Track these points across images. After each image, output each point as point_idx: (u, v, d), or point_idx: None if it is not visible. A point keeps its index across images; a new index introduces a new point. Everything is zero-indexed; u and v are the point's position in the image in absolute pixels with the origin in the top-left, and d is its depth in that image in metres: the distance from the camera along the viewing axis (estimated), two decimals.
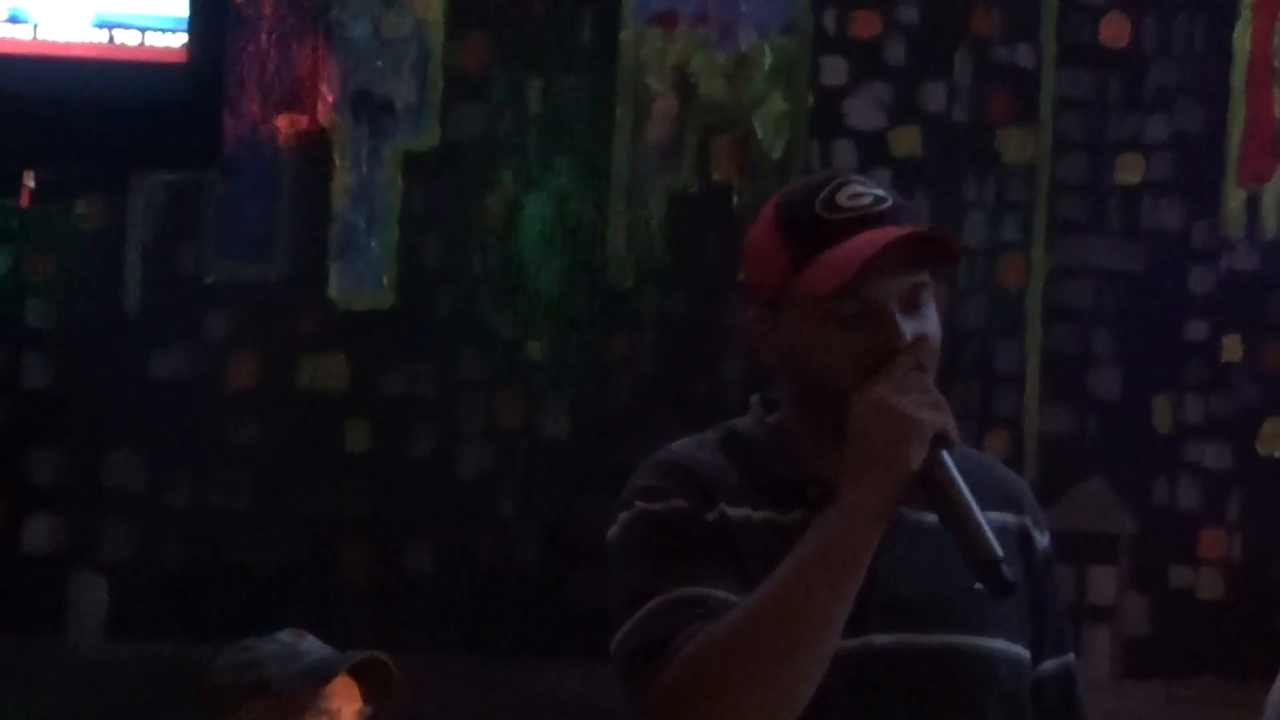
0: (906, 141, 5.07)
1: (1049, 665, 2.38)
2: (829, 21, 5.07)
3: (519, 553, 4.93)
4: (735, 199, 5.01)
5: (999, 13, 5.09)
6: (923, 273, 2.26)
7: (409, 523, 4.93)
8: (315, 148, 4.97)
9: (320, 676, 3.22)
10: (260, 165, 4.95)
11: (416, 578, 4.91)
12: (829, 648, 2.17)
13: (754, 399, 2.38)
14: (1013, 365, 5.07)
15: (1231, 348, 5.09)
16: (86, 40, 4.68)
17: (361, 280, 4.97)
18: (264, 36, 4.95)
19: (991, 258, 5.08)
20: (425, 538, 4.93)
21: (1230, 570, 5.05)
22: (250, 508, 4.91)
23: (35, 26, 4.68)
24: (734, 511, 2.27)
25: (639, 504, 2.28)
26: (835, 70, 5.07)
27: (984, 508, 2.23)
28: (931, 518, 2.24)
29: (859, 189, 2.28)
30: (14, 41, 4.67)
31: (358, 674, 3.27)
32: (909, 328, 2.24)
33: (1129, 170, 5.12)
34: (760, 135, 5.04)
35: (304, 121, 4.97)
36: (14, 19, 4.68)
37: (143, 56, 4.68)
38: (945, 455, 2.19)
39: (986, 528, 2.18)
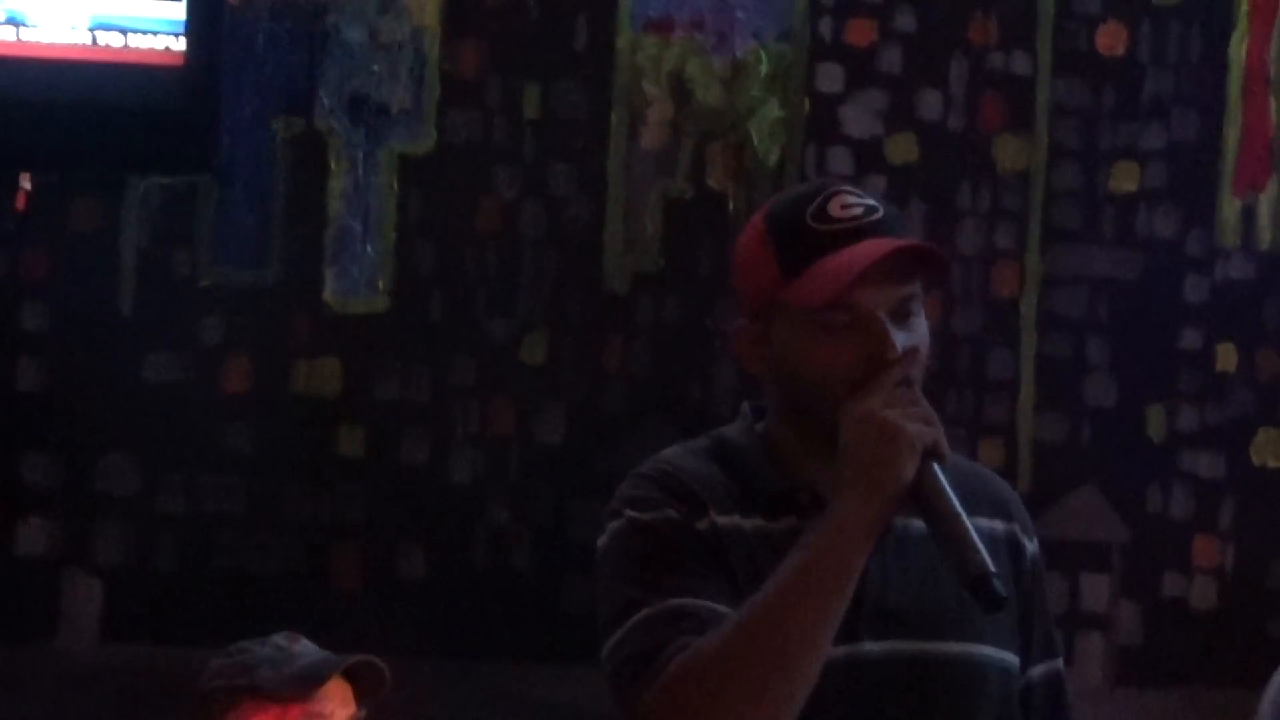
0: (902, 149, 5.08)
1: (1038, 671, 2.39)
2: (825, 29, 5.07)
3: (512, 558, 4.93)
4: (731, 205, 5.01)
5: (995, 21, 5.09)
6: (913, 284, 2.27)
7: (402, 527, 4.93)
8: (310, 152, 4.97)
9: (313, 680, 3.22)
10: (255, 169, 4.95)
11: (410, 582, 4.91)
12: (819, 659, 2.18)
13: (743, 407, 2.38)
14: (1007, 373, 5.07)
15: (1226, 356, 5.09)
16: (83, 44, 4.68)
17: (356, 285, 4.97)
18: (260, 40, 4.96)
19: (986, 265, 5.09)
20: (419, 542, 4.93)
21: (1223, 579, 5.06)
22: (244, 512, 4.91)
23: (32, 30, 4.68)
24: (724, 520, 2.28)
25: (629, 513, 2.28)
26: (831, 77, 5.08)
27: (972, 515, 2.23)
28: (920, 524, 2.25)
29: (850, 199, 2.28)
30: (10, 44, 4.68)
31: (350, 677, 3.27)
32: (899, 338, 2.24)
33: (1124, 179, 5.13)
34: (756, 142, 5.04)
35: (299, 125, 4.97)
36: (11, 21, 4.68)
37: (139, 60, 4.68)
38: (936, 469, 2.19)
39: (978, 542, 2.18)
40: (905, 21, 5.08)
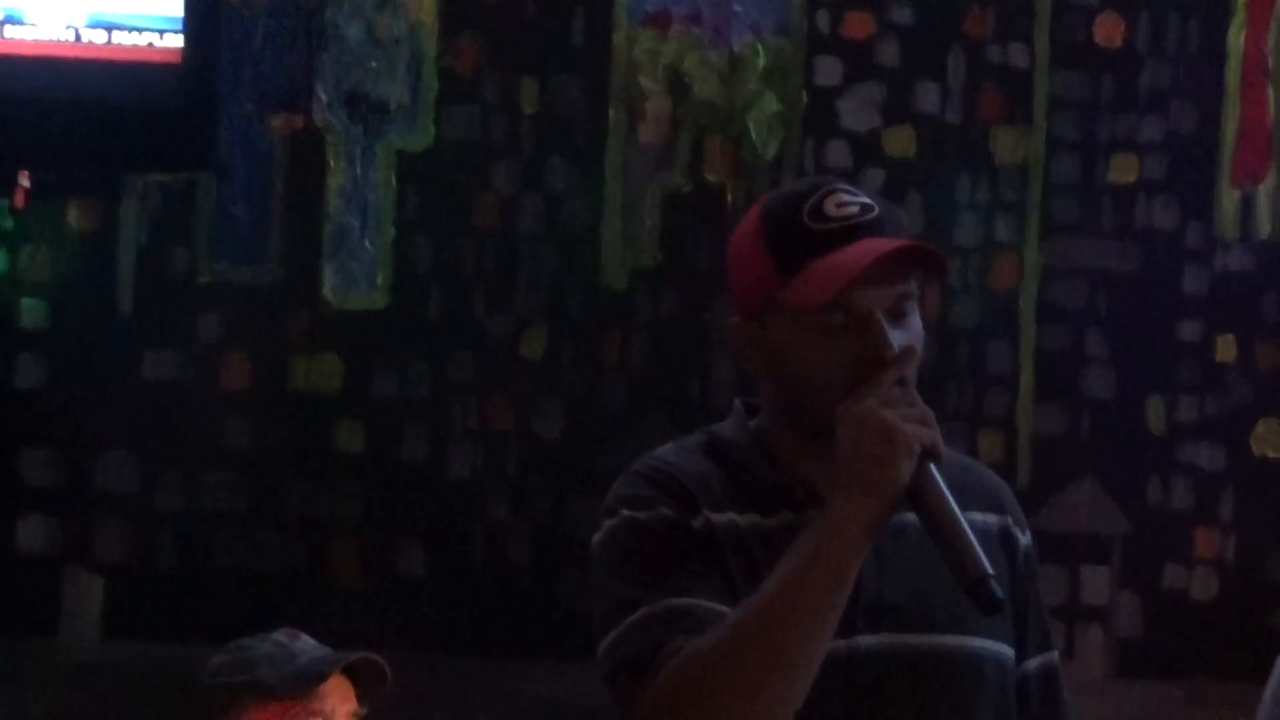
0: (900, 142, 5.07)
1: (1033, 663, 2.39)
2: (822, 22, 5.07)
3: (511, 554, 4.93)
4: (729, 199, 5.01)
5: (992, 13, 5.09)
6: (909, 282, 2.27)
7: (402, 523, 4.93)
8: (309, 149, 4.97)
9: (313, 677, 3.22)
10: (254, 166, 4.95)
11: (408, 578, 4.91)
12: (816, 659, 2.18)
13: (736, 403, 2.38)
14: (1006, 365, 5.07)
15: (1225, 348, 5.09)
16: (80, 41, 4.68)
17: (355, 281, 4.97)
18: (258, 37, 4.95)
19: (984, 258, 5.08)
20: (418, 538, 4.93)
21: (1223, 570, 5.06)
22: (244, 508, 4.91)
23: (30, 28, 4.68)
24: (719, 518, 2.27)
25: (625, 512, 2.28)
26: (829, 71, 5.08)
27: (966, 508, 2.23)
28: (915, 518, 2.25)
29: (845, 197, 2.28)
30: (9, 42, 4.68)
31: (351, 674, 3.27)
32: (896, 338, 2.24)
33: (1122, 171, 5.12)
34: (754, 136, 5.04)
35: (298, 122, 4.97)
36: (9, 20, 4.68)
37: (137, 58, 4.68)
38: (933, 470, 2.19)
39: (975, 544, 2.18)
40: (902, 14, 5.07)
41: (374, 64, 4.99)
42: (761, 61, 5.05)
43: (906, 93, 5.07)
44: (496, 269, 4.99)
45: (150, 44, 4.68)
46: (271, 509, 4.91)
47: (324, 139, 4.98)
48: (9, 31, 4.68)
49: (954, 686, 2.29)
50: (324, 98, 4.97)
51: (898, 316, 2.25)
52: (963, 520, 2.19)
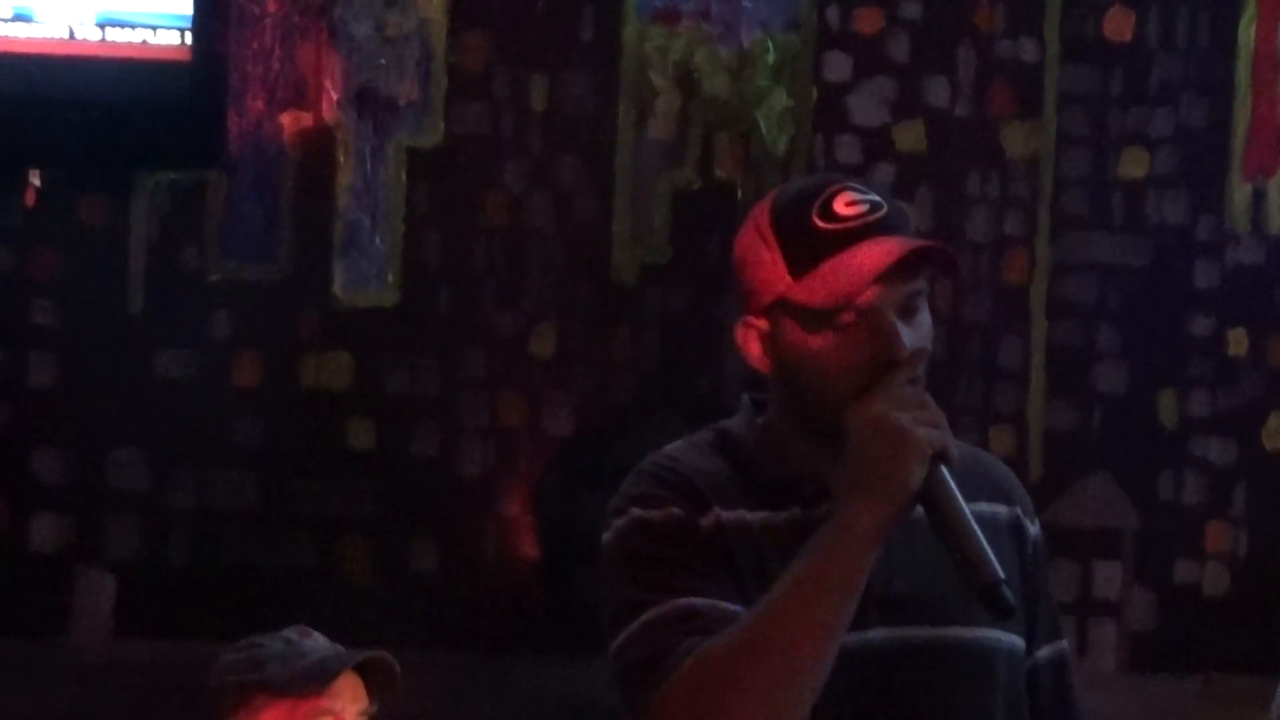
0: (910, 137, 5.07)
1: (1043, 652, 2.40)
2: (832, 17, 5.07)
3: (522, 550, 4.93)
4: (739, 195, 5.01)
5: (1002, 8, 5.09)
6: (919, 280, 2.27)
7: (413, 520, 4.93)
8: (318, 146, 4.98)
9: (324, 675, 3.22)
10: (263, 164, 4.96)
11: (420, 574, 4.91)
12: (828, 660, 2.18)
13: (744, 399, 2.39)
14: (1017, 361, 5.07)
15: (1236, 342, 5.09)
16: (90, 40, 4.69)
17: (365, 278, 4.97)
18: (267, 35, 4.96)
19: (995, 253, 5.08)
20: (428, 535, 4.93)
21: (1235, 565, 5.05)
22: (254, 506, 4.91)
23: (39, 26, 4.69)
24: (728, 515, 2.28)
25: (634, 511, 2.28)
26: (838, 66, 5.07)
27: (974, 500, 2.24)
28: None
29: (854, 195, 2.28)
30: (18, 41, 4.68)
31: (361, 672, 3.27)
32: (907, 337, 2.24)
33: (1133, 165, 5.12)
34: (763, 131, 5.04)
35: (307, 119, 4.97)
36: (18, 18, 4.69)
37: (146, 55, 4.69)
38: (945, 473, 2.19)
39: (987, 549, 2.18)
40: (912, 9, 5.07)
41: (383, 61, 4.99)
42: (771, 57, 5.05)
43: (916, 88, 5.07)
44: (507, 265, 4.99)
45: (159, 42, 4.69)
46: (282, 506, 4.91)
47: (333, 136, 4.98)
48: (18, 30, 4.69)
49: (966, 678, 2.30)
50: (333, 95, 4.97)
51: (909, 314, 2.26)
52: (974, 524, 2.19)
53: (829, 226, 2.26)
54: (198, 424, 4.90)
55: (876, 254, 2.23)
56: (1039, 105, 5.11)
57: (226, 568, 4.88)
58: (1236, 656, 4.96)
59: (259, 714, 3.21)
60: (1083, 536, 5.02)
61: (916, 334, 2.26)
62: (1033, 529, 2.42)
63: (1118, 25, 5.12)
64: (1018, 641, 2.35)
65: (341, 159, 4.99)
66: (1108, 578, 5.06)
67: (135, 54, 4.68)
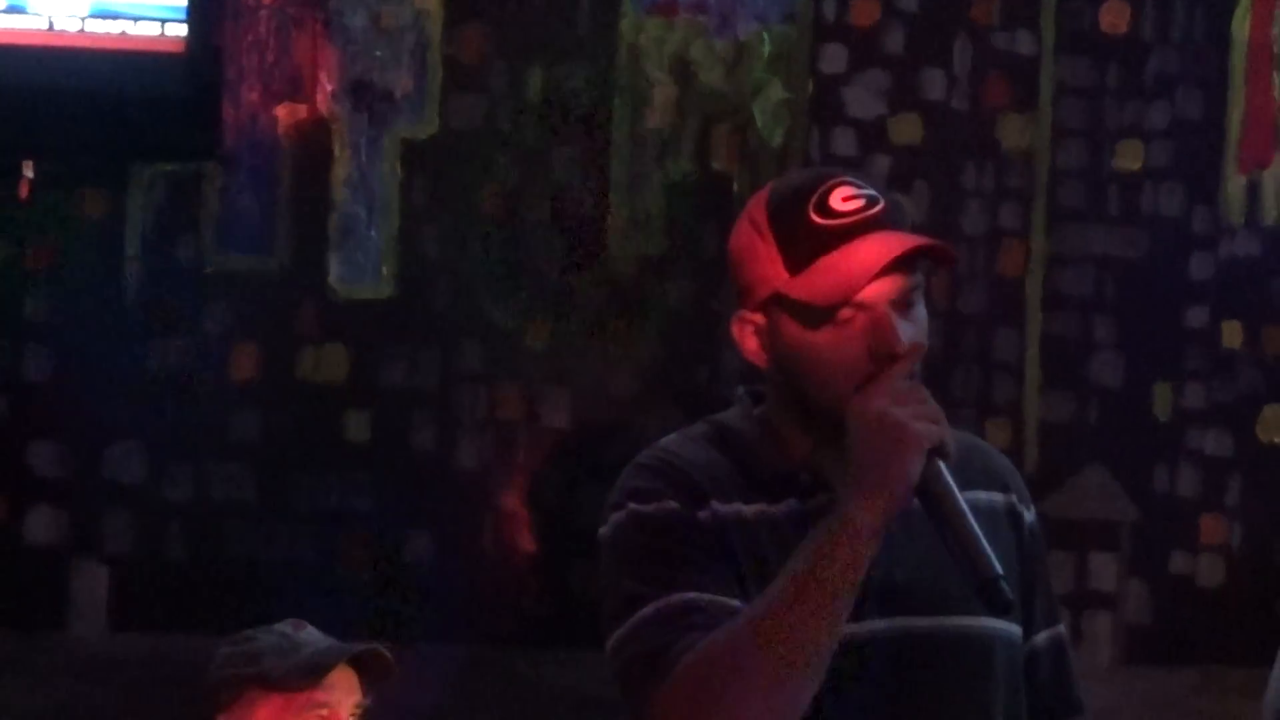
0: (906, 129, 5.07)
1: (1041, 638, 2.42)
2: (828, 9, 5.06)
3: (520, 543, 4.93)
4: (735, 187, 5.00)
5: (998, 0, 5.08)
6: (916, 274, 2.28)
7: (410, 513, 4.93)
8: (314, 138, 4.97)
9: (319, 668, 3.23)
10: (259, 155, 4.95)
11: (417, 568, 4.91)
12: (827, 654, 2.19)
13: (740, 391, 2.39)
14: (1012, 353, 5.07)
15: (1231, 334, 5.09)
16: (85, 31, 4.68)
17: (361, 270, 4.97)
18: (262, 26, 4.95)
19: (991, 245, 5.08)
20: (425, 528, 4.93)
21: (1231, 557, 5.06)
22: (251, 499, 4.91)
23: (34, 17, 4.68)
24: (726, 508, 2.28)
25: (631, 505, 2.29)
26: (834, 58, 5.07)
27: (971, 488, 2.25)
28: None
29: (851, 190, 2.29)
30: (12, 32, 4.68)
31: (356, 666, 3.27)
32: (904, 331, 2.25)
33: (1129, 157, 5.12)
34: (760, 124, 5.03)
35: (303, 111, 4.97)
36: (13, 9, 4.68)
37: (141, 47, 4.68)
38: (942, 468, 2.20)
39: (985, 544, 2.19)
40: (908, 1, 5.07)
41: (379, 53, 4.98)
42: (767, 49, 5.04)
43: (912, 80, 5.07)
44: (503, 258, 4.99)
45: (155, 34, 4.68)
46: (279, 499, 4.91)
47: (329, 128, 4.98)
48: (12, 21, 4.68)
49: (964, 667, 2.31)
50: (329, 87, 4.97)
51: (905, 309, 2.27)
52: (972, 519, 2.21)
53: (826, 222, 2.27)
54: (194, 417, 4.90)
55: (874, 251, 2.23)
56: (1035, 98, 5.10)
57: (223, 561, 4.88)
58: (1232, 648, 4.96)
59: (254, 707, 3.22)
60: (1078, 529, 5.02)
61: (913, 328, 2.27)
62: (1029, 515, 2.43)
63: (1114, 18, 5.12)
64: (1015, 630, 2.36)
65: (337, 151, 4.98)
66: (1103, 570, 5.06)
67: (130, 46, 4.68)
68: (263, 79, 4.94)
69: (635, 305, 4.99)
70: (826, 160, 4.98)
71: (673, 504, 2.28)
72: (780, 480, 2.30)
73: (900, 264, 2.25)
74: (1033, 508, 2.44)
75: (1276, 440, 5.09)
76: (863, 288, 2.23)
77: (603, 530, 2.31)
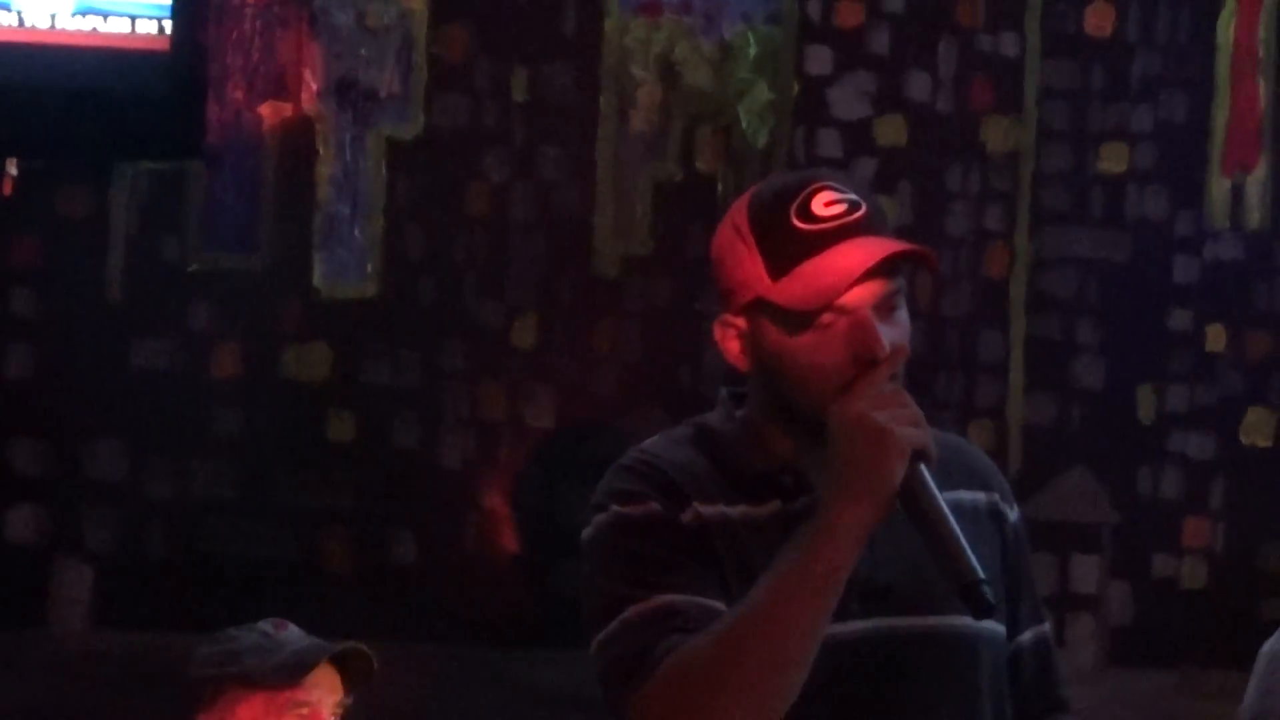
0: (891, 131, 5.07)
1: (1026, 637, 2.42)
2: (813, 10, 5.07)
3: (503, 542, 4.93)
4: (720, 188, 5.01)
5: (983, 2, 5.09)
6: (898, 279, 2.28)
7: (393, 512, 4.93)
8: (299, 136, 4.97)
9: (300, 667, 3.23)
10: (243, 154, 4.95)
11: (400, 567, 4.91)
12: (809, 657, 2.19)
13: (722, 393, 2.39)
14: (996, 355, 5.07)
15: (1215, 337, 5.09)
16: (69, 29, 4.67)
17: (345, 269, 4.97)
18: (247, 24, 4.94)
19: (975, 247, 5.08)
20: (409, 527, 4.92)
21: (1213, 559, 5.06)
22: (234, 497, 4.90)
23: (18, 15, 4.67)
24: (708, 510, 2.28)
25: (613, 507, 2.29)
26: (820, 59, 5.07)
27: (953, 488, 2.26)
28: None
29: (833, 194, 2.29)
30: None
31: (338, 664, 3.27)
32: (886, 335, 2.25)
33: (1113, 160, 5.12)
34: (745, 124, 5.04)
35: (287, 110, 4.96)
36: None
37: (125, 45, 4.67)
38: (924, 472, 2.21)
39: (967, 547, 2.20)
40: (893, 3, 5.07)
41: (364, 52, 4.98)
42: (752, 50, 5.05)
43: (897, 82, 5.07)
44: (487, 257, 4.99)
45: (139, 31, 4.67)
46: (262, 498, 4.90)
47: (314, 127, 4.97)
48: None
49: (948, 667, 2.31)
50: (314, 85, 4.96)
51: (887, 313, 2.27)
52: (954, 523, 2.21)
53: (807, 227, 2.27)
54: (177, 415, 4.89)
55: (856, 256, 2.24)
56: (1019, 100, 5.11)
57: (205, 559, 4.87)
58: (1214, 650, 4.97)
59: (235, 706, 3.22)
60: (1061, 531, 5.03)
61: (895, 332, 2.27)
62: (1012, 514, 2.44)
63: (1098, 20, 5.12)
64: (999, 629, 2.36)
65: (322, 150, 4.98)
66: (1086, 572, 5.06)
67: (114, 43, 4.67)
68: (247, 77, 4.94)
69: (620, 305, 4.99)
70: (811, 162, 4.98)
71: (655, 506, 2.28)
72: (763, 482, 2.31)
73: (882, 269, 2.25)
74: (1016, 506, 2.45)
75: (1259, 443, 5.09)
76: (844, 293, 2.23)
77: (586, 532, 2.31)
